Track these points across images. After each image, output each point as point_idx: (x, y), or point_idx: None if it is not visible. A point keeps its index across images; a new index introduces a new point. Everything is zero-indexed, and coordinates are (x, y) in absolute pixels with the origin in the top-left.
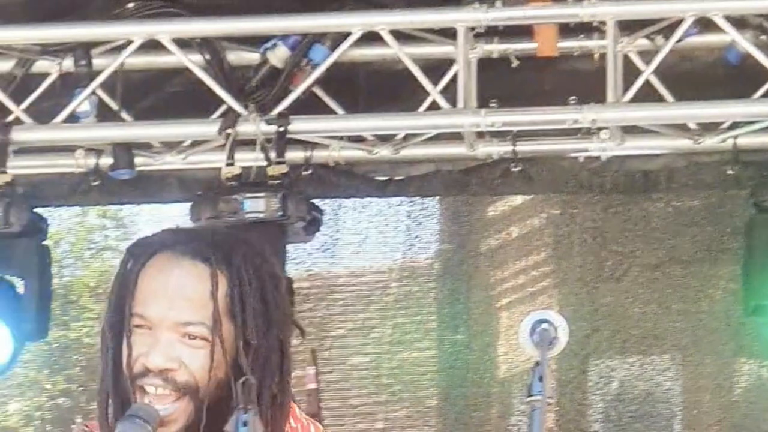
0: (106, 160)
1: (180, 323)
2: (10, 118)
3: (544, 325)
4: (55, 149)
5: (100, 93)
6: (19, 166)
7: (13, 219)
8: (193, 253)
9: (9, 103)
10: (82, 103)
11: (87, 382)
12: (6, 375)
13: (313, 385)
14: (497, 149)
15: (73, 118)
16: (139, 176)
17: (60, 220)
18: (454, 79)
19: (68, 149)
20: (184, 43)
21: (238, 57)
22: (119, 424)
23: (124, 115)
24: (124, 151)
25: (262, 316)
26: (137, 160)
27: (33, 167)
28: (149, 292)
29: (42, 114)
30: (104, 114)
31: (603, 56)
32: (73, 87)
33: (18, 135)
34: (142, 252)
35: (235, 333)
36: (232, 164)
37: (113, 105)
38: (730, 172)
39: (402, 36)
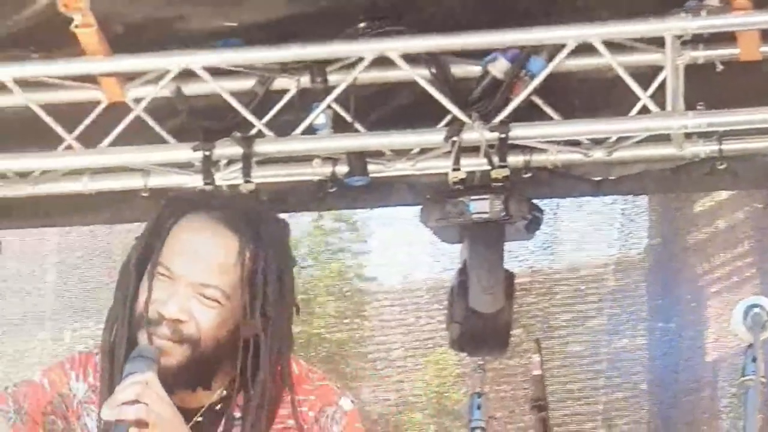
0: (342, 168)
1: (199, 283)
2: (253, 131)
3: (756, 310)
4: (294, 159)
5: (335, 106)
6: (262, 176)
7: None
8: (226, 222)
9: (251, 118)
10: (318, 116)
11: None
12: None
13: (537, 372)
14: (704, 149)
15: (310, 130)
16: (372, 182)
17: (300, 224)
18: (662, 85)
19: (307, 159)
20: (411, 59)
21: (462, 70)
22: (129, 362)
23: (357, 126)
24: (358, 159)
25: (278, 291)
26: (370, 167)
27: (275, 176)
28: (177, 247)
29: (282, 127)
30: (339, 126)
31: None
32: (310, 102)
33: (260, 147)
34: (178, 207)
35: (250, 303)
36: (458, 169)
37: (347, 117)
38: None
39: (613, 45)
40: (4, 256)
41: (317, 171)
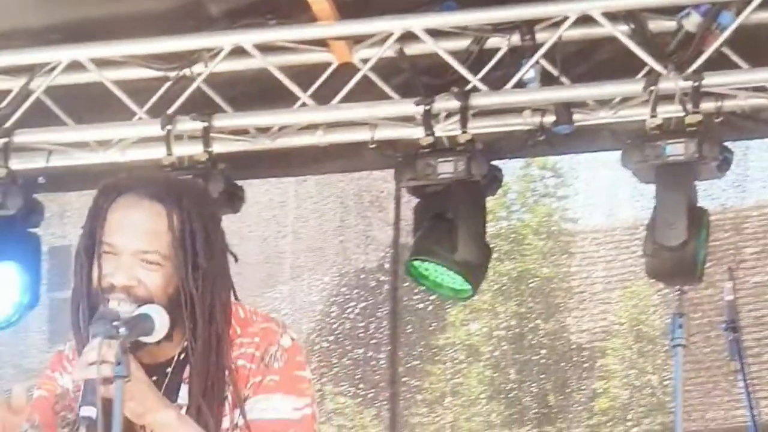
0: (549, 118)
1: (139, 251)
2: (469, 86)
3: None
4: (506, 111)
5: (543, 62)
6: (477, 127)
7: (475, 170)
8: (151, 196)
9: (467, 74)
10: (527, 71)
11: (535, 307)
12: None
13: (730, 297)
14: None
15: (520, 84)
16: (577, 130)
17: (510, 171)
18: None
19: (517, 110)
20: (611, 16)
21: (658, 25)
22: (92, 326)
23: (563, 79)
24: (565, 109)
25: (207, 245)
26: (575, 116)
27: (489, 127)
28: (115, 225)
29: (495, 82)
30: (546, 79)
31: None
32: (520, 58)
33: (476, 100)
34: (111, 191)
35: (184, 260)
36: (655, 116)
37: (554, 71)
38: None
39: None
40: (248, 204)
41: (527, 121)
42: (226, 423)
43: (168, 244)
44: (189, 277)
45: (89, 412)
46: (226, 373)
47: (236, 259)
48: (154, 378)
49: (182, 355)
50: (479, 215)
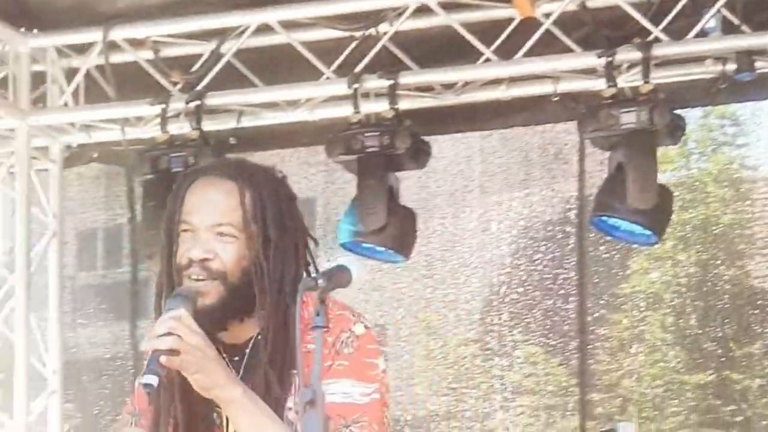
0: (731, 67)
1: (214, 225)
2: (650, 37)
3: None
4: (688, 60)
5: (723, 11)
6: (659, 77)
7: (657, 120)
8: (224, 175)
9: (649, 26)
10: (709, 20)
11: (717, 254)
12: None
13: None
14: None
15: (702, 34)
16: (759, 77)
17: (690, 119)
18: None
19: (699, 59)
20: None
21: None
22: (167, 301)
23: (744, 28)
24: (746, 57)
25: (279, 221)
26: (757, 64)
27: (670, 77)
28: (192, 204)
29: (676, 32)
30: (727, 28)
31: None
32: (701, 8)
33: (658, 51)
34: (190, 176)
35: (255, 233)
36: None
37: (735, 20)
38: None
39: None
40: (435, 159)
41: (709, 70)
42: (289, 403)
43: (240, 219)
44: (260, 249)
45: (151, 380)
46: (296, 353)
47: (316, 243)
48: (236, 358)
49: (260, 336)
50: (651, 163)
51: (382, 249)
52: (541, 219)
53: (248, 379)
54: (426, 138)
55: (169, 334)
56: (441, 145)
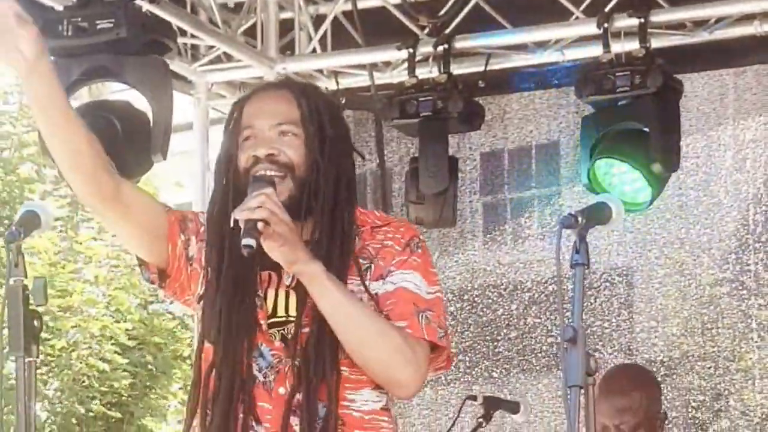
0: None
1: (275, 124)
2: None
3: None
4: None
5: None
6: None
7: None
8: (280, 87)
9: None
10: None
11: None
12: None
13: None
14: None
15: None
16: None
17: None
18: None
19: None
20: None
21: None
22: (252, 185)
23: None
24: None
25: (335, 125)
26: None
27: None
28: (251, 113)
29: None
30: None
31: None
32: None
33: None
34: (245, 96)
35: (314, 132)
36: None
37: None
38: None
39: None
40: (687, 98)
41: None
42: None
43: (299, 118)
44: (317, 146)
45: (251, 242)
46: (354, 247)
47: (363, 158)
48: None
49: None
50: None
51: None
52: None
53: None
54: (678, 76)
55: (260, 207)
56: (693, 83)
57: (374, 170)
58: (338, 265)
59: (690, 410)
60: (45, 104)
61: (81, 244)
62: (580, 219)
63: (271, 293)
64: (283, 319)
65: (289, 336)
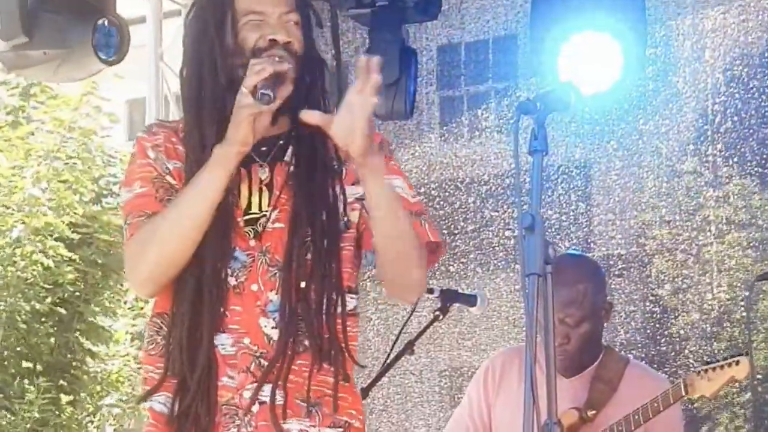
0: None
1: (283, 12)
2: None
3: None
4: None
5: None
6: None
7: None
8: None
9: None
10: None
11: None
12: None
13: None
14: None
15: None
16: None
17: None
18: None
19: None
20: None
21: None
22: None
23: None
24: None
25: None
26: None
27: None
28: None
29: None
30: None
31: None
32: None
33: None
34: None
35: (307, 20)
36: None
37: None
38: None
39: None
40: None
41: None
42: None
43: (294, 6)
44: (307, 32)
45: (267, 90)
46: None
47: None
48: (264, 148)
49: (293, 132)
50: None
51: None
52: (757, 44)
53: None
54: None
55: (274, 67)
56: None
57: (330, 62)
58: (327, 163)
59: (648, 304)
60: (213, 199)
61: (22, 139)
62: (538, 104)
63: (244, 189)
64: (258, 215)
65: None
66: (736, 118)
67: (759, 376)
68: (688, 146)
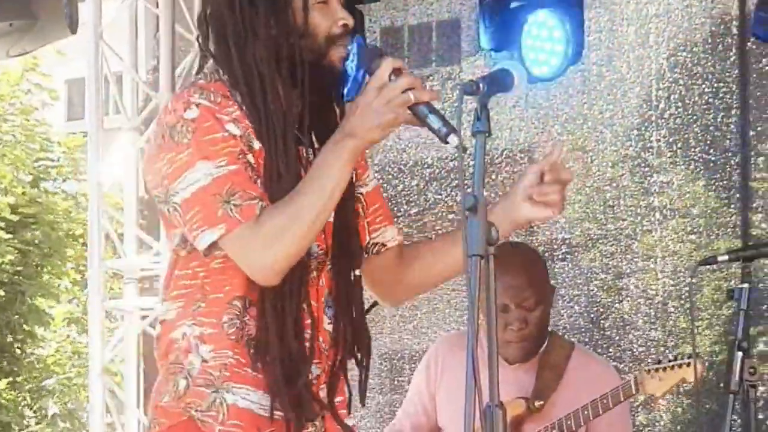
0: None
1: None
2: None
3: None
4: None
5: None
6: None
7: None
8: None
9: None
10: None
11: None
12: None
13: None
14: None
15: None
16: None
17: None
18: None
19: None
20: None
21: None
22: (373, 60)
23: None
24: None
25: None
26: None
27: None
28: None
29: None
30: None
31: None
32: None
33: None
34: None
35: None
36: None
37: None
38: None
39: None
40: None
41: None
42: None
43: None
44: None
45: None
46: None
47: None
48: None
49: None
50: None
51: None
52: (701, 30)
53: None
54: None
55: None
56: None
57: None
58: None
59: (591, 289)
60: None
61: None
62: (481, 85)
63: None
64: None
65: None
66: (680, 104)
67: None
68: (632, 132)
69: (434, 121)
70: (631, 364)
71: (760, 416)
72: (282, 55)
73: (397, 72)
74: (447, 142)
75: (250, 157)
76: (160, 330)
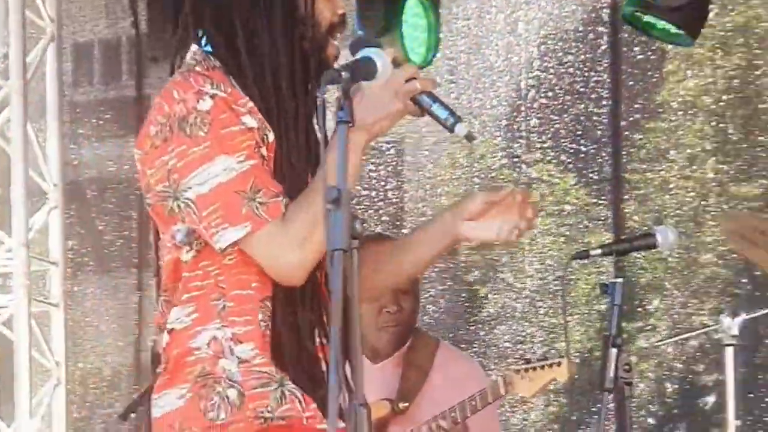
0: None
1: None
2: None
3: None
4: None
5: None
6: None
7: None
8: None
9: None
10: None
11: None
12: None
13: None
14: None
15: None
16: None
17: None
18: None
19: None
20: None
21: None
22: (370, 50)
23: None
24: None
25: None
26: None
27: None
28: None
29: None
30: None
31: None
32: None
33: None
34: None
35: None
36: None
37: None
38: None
39: None
40: None
41: None
42: None
43: None
44: None
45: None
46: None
47: None
48: None
49: None
50: None
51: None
52: (572, 18)
53: None
54: None
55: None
56: None
57: None
58: None
59: (458, 283)
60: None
61: None
62: (343, 74)
63: None
64: None
65: None
66: (550, 94)
67: (576, 360)
68: (501, 121)
69: (440, 111)
70: (497, 360)
71: (643, 413)
72: (294, 45)
73: (394, 62)
74: (454, 132)
75: (263, 150)
76: (168, 339)
